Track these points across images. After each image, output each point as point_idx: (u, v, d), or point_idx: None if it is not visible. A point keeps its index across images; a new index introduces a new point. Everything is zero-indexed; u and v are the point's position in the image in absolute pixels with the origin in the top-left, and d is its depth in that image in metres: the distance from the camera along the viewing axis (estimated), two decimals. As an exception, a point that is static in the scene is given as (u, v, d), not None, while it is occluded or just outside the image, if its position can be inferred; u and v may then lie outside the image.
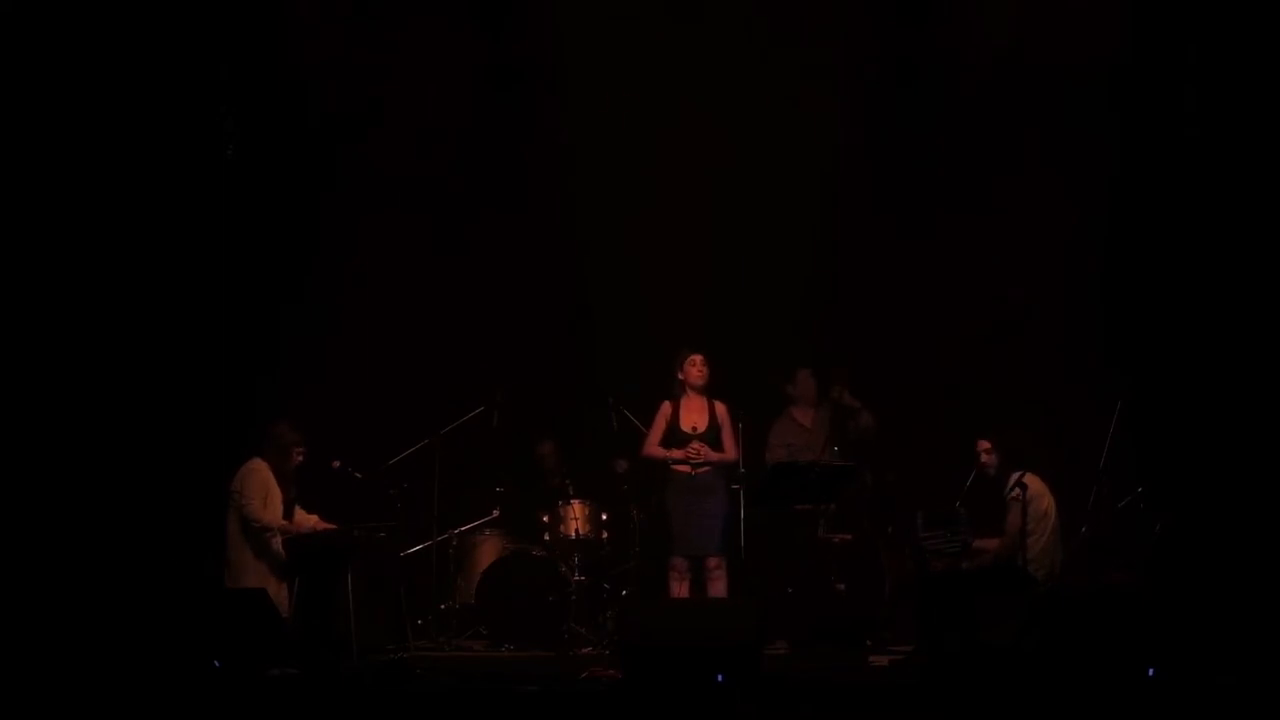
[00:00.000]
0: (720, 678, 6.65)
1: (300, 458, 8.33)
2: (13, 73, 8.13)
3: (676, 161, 9.93)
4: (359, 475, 8.73)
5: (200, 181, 8.92)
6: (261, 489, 8.09)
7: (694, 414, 8.73)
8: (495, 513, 9.51)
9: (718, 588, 8.57)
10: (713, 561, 8.59)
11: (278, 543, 8.04)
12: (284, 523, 8.15)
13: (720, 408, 8.72)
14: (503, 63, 9.82)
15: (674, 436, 8.71)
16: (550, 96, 9.93)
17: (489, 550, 9.41)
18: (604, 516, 9.27)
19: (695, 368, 8.70)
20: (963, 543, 8.17)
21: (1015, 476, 8.03)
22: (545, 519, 9.25)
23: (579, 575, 9.12)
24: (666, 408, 8.80)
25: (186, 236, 8.82)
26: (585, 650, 8.70)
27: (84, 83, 8.31)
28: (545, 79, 9.85)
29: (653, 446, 8.78)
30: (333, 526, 8.30)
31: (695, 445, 8.60)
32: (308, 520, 8.32)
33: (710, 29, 9.40)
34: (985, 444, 8.36)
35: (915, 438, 9.60)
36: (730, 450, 8.62)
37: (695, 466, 8.63)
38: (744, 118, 10.10)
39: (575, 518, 9.18)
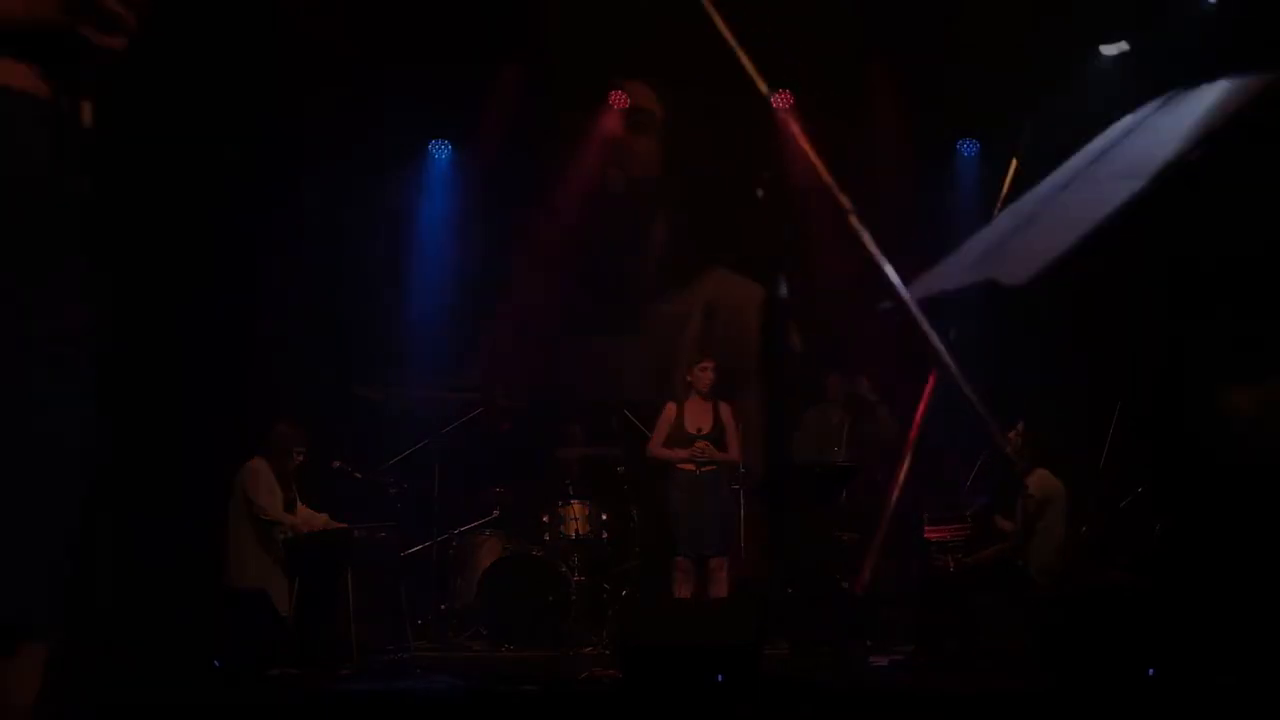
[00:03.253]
0: (720, 678, 6.64)
1: (301, 458, 8.33)
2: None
3: (676, 160, 9.94)
4: (359, 475, 8.72)
5: (199, 181, 8.91)
6: (267, 487, 8.10)
7: (698, 416, 8.74)
8: (495, 513, 9.50)
9: (719, 589, 8.57)
10: (714, 562, 8.59)
11: (281, 538, 8.05)
12: (294, 517, 8.16)
13: (725, 409, 8.74)
14: (502, 61, 9.84)
15: (678, 437, 8.72)
16: (551, 94, 9.95)
17: (489, 550, 9.40)
18: (604, 516, 9.26)
19: (706, 373, 8.72)
20: (969, 537, 8.18)
21: (1030, 473, 8.02)
22: (545, 519, 9.25)
23: (579, 575, 9.10)
24: (670, 409, 8.81)
25: (186, 236, 8.82)
26: (585, 650, 8.70)
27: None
28: (545, 76, 9.86)
29: (657, 447, 8.80)
30: (343, 526, 8.30)
31: (700, 445, 8.62)
32: (316, 518, 8.32)
33: (710, 27, 9.38)
34: (1019, 427, 8.32)
35: (924, 439, 9.58)
36: (734, 451, 8.65)
37: (700, 465, 8.64)
38: (744, 116, 10.11)
39: (575, 518, 9.18)
